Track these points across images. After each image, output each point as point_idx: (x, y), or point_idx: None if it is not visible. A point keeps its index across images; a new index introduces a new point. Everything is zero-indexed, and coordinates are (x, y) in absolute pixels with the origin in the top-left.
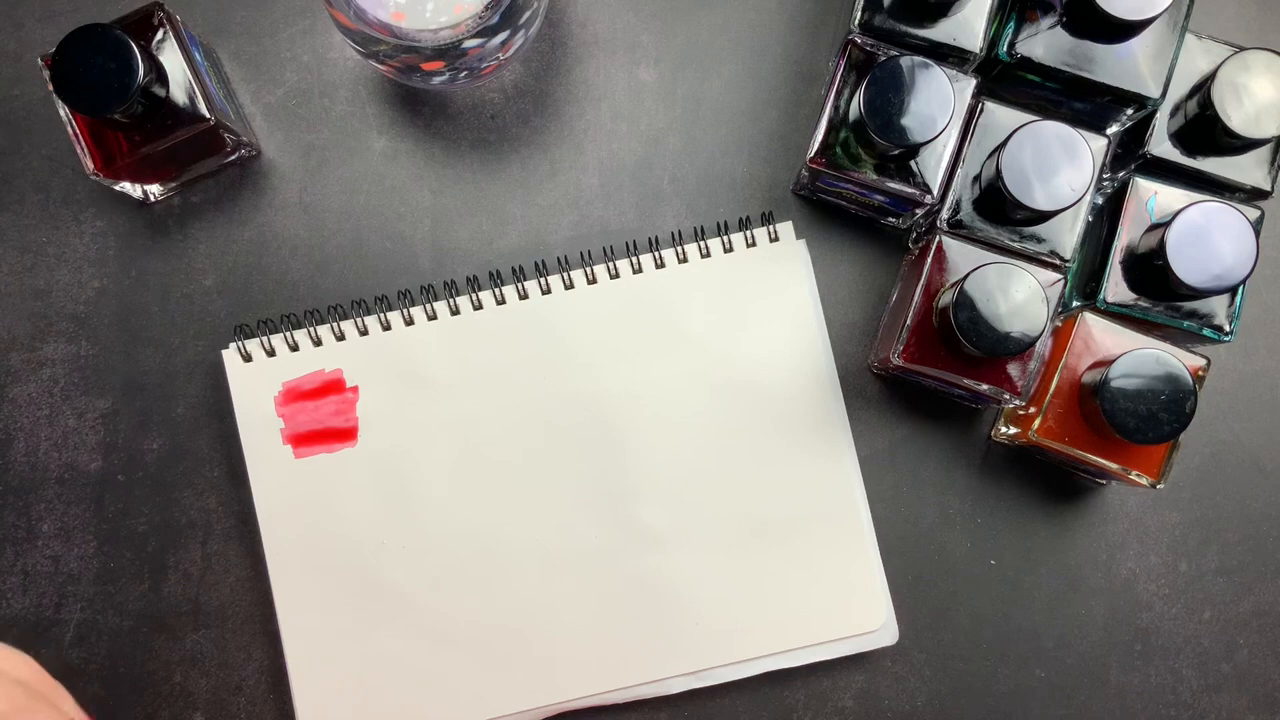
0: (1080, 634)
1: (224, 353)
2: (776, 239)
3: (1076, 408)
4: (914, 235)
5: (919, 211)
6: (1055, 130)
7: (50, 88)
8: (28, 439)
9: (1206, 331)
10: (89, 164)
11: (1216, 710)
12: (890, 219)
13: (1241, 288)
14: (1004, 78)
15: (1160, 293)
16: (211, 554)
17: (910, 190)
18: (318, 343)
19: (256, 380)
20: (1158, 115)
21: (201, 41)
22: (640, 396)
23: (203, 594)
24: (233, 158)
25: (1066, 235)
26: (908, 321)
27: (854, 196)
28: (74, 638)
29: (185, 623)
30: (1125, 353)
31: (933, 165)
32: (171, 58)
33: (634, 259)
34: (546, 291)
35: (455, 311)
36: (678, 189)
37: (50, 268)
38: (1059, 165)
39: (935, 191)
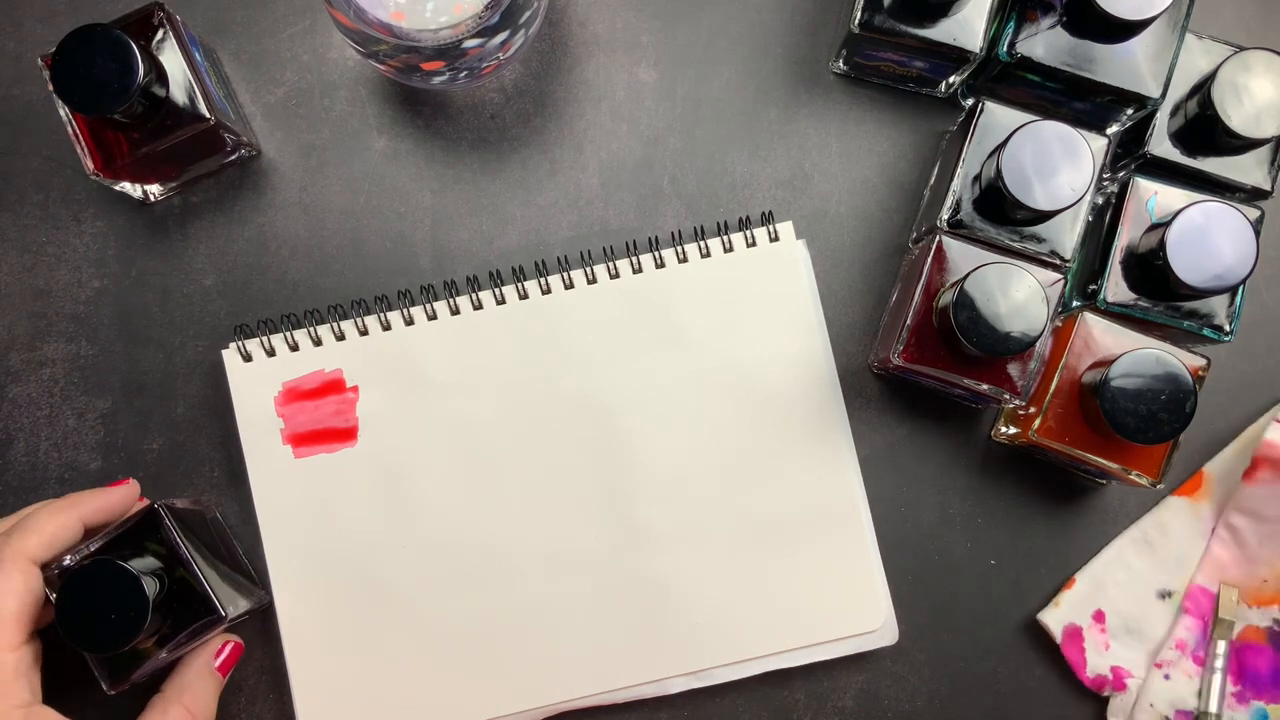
0: None
1: (224, 353)
2: (776, 239)
3: (1076, 408)
4: (914, 235)
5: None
6: (1055, 130)
7: (50, 88)
8: (28, 439)
9: (1206, 331)
10: (89, 164)
11: None
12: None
13: (1241, 288)
14: (1004, 78)
15: (1160, 293)
16: None
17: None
18: (318, 343)
19: (256, 380)
20: (1158, 115)
21: (201, 41)
22: (640, 396)
23: None
24: (233, 158)
25: (1066, 235)
26: (908, 321)
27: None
28: None
29: None
30: (1125, 353)
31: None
32: (171, 58)
33: (634, 259)
34: (546, 291)
35: (455, 311)
36: (678, 189)
37: (50, 268)
38: (1059, 165)
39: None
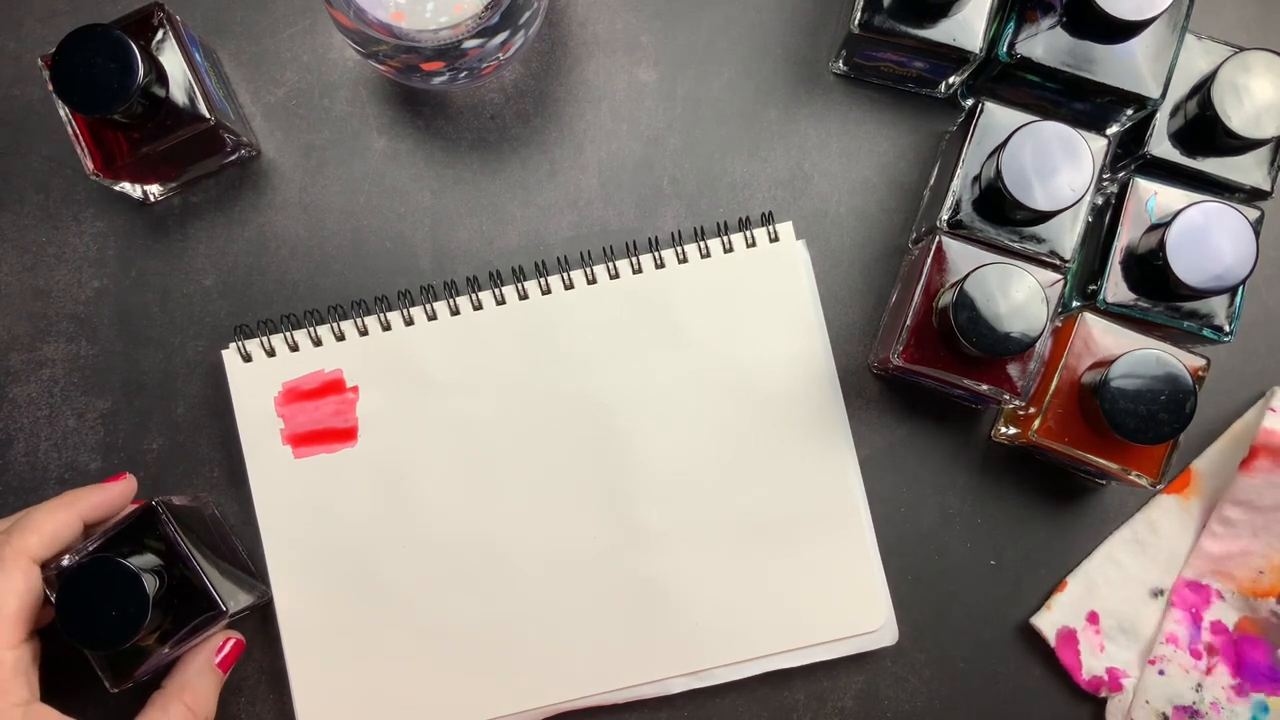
0: None
1: (224, 353)
2: (776, 239)
3: (1076, 408)
4: (914, 235)
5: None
6: (1055, 130)
7: (50, 88)
8: (28, 439)
9: (1206, 331)
10: (89, 164)
11: None
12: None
13: (1241, 288)
14: (1004, 78)
15: (1160, 293)
16: None
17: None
18: (318, 343)
19: (256, 380)
20: (1158, 115)
21: (201, 41)
22: (640, 396)
23: None
24: (233, 158)
25: (1066, 235)
26: (908, 321)
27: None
28: None
29: None
30: (1125, 353)
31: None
32: (171, 58)
33: (634, 259)
34: (546, 291)
35: (455, 311)
36: (678, 189)
37: (50, 268)
38: (1059, 165)
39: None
